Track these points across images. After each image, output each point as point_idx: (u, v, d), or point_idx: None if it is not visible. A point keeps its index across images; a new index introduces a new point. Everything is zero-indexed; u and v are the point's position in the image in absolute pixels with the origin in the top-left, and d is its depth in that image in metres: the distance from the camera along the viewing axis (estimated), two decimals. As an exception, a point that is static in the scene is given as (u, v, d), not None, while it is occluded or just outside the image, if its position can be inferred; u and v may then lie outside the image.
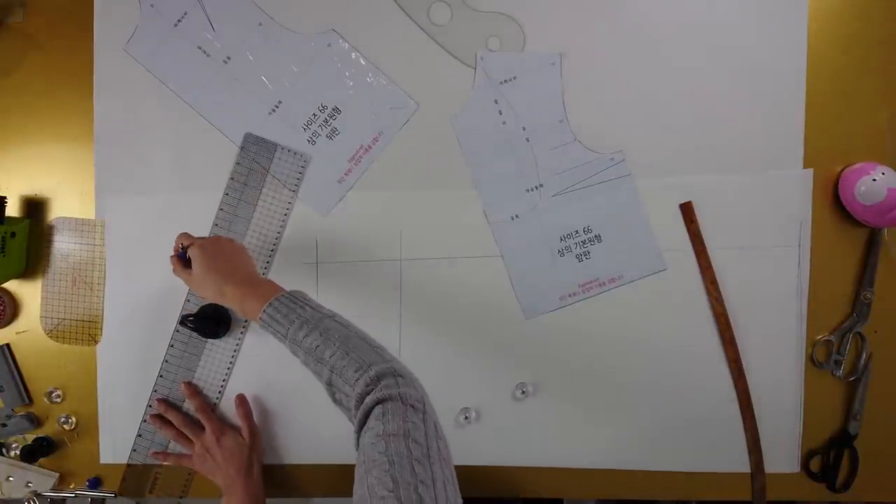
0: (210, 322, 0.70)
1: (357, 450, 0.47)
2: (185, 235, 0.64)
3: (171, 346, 0.73)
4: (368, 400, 0.48)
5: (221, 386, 0.73)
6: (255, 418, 0.73)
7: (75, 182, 0.73)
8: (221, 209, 0.72)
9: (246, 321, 0.73)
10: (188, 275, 0.62)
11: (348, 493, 0.75)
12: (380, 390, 0.48)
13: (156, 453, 0.73)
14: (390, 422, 0.46)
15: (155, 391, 0.73)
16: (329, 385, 0.52)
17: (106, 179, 0.73)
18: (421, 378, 0.71)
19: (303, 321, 0.54)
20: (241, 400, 0.73)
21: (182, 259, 0.64)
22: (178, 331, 0.72)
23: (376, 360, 0.51)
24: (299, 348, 0.53)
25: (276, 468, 0.74)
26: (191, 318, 0.69)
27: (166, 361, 0.73)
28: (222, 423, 0.72)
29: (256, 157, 0.71)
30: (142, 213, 0.73)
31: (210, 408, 0.73)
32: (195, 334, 0.72)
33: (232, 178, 0.72)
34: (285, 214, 0.72)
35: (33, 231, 0.74)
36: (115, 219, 0.73)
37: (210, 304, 0.71)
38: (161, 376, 0.73)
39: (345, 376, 0.50)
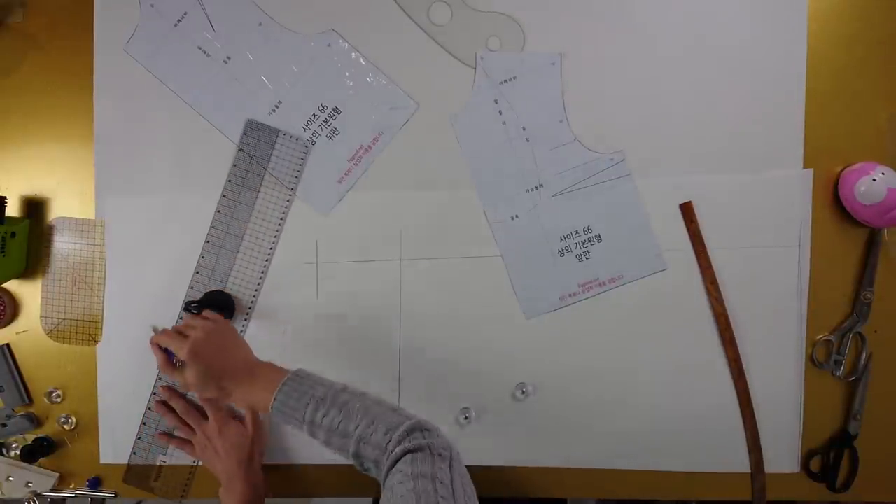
0: (214, 309, 0.70)
1: (382, 489, 0.49)
2: (166, 337, 0.62)
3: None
4: (397, 450, 0.49)
5: None
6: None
7: (75, 182, 0.74)
8: (219, 211, 0.72)
9: (250, 308, 0.72)
10: (181, 378, 0.61)
11: (348, 493, 0.76)
12: (409, 441, 0.50)
13: (161, 434, 0.73)
14: (419, 466, 0.48)
15: (159, 379, 0.73)
16: (356, 456, 0.53)
17: (106, 179, 0.73)
18: (421, 378, 0.72)
19: (318, 401, 0.55)
20: None
21: (168, 355, 0.63)
22: (181, 318, 0.72)
23: (402, 420, 0.52)
24: (319, 429, 0.54)
25: (277, 468, 0.74)
26: (195, 304, 0.70)
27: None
28: (226, 414, 0.72)
29: (259, 141, 0.71)
30: (142, 213, 0.73)
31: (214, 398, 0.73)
32: None
33: (234, 165, 0.72)
34: (288, 200, 0.72)
35: (33, 231, 0.74)
36: (115, 219, 0.73)
37: (215, 291, 0.71)
38: None
39: (374, 443, 0.52)
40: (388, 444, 0.51)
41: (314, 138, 0.72)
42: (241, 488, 0.67)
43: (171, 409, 0.72)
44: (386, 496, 0.47)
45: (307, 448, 0.74)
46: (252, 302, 0.72)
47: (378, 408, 0.54)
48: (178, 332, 0.63)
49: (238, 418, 0.72)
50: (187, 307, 0.71)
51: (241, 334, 0.73)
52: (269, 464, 0.74)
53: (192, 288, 0.73)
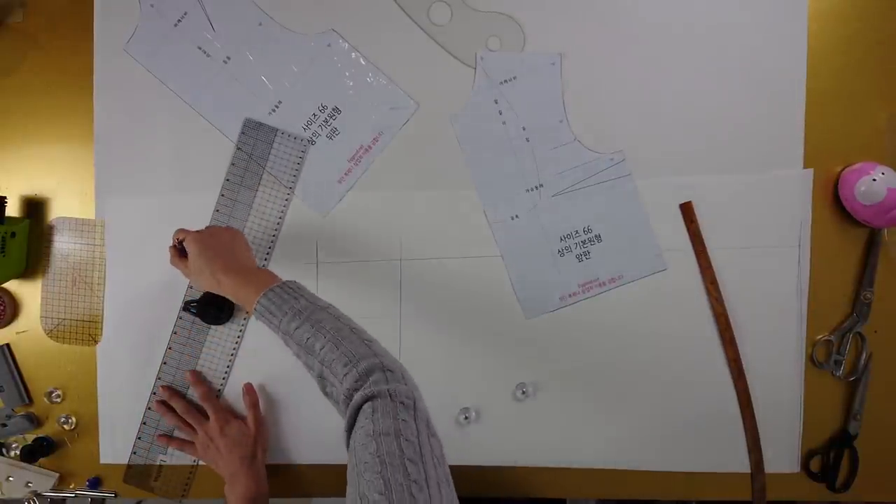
0: (213, 308, 0.70)
1: (348, 450, 0.46)
2: (183, 230, 0.64)
3: (175, 332, 0.73)
4: (357, 397, 0.47)
5: (225, 373, 0.73)
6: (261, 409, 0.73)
7: (75, 182, 0.74)
8: (217, 210, 0.72)
9: None
10: (185, 265, 0.63)
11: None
12: (368, 386, 0.47)
13: (161, 436, 0.73)
14: (380, 420, 0.45)
15: (159, 378, 0.73)
16: (320, 378, 0.51)
17: (106, 179, 0.73)
18: (421, 378, 0.71)
19: (296, 312, 0.53)
20: (249, 389, 0.73)
21: (180, 251, 0.64)
22: (181, 317, 0.73)
23: (366, 353, 0.50)
24: (291, 339, 0.53)
25: (277, 468, 0.74)
26: (194, 304, 0.70)
27: (170, 349, 0.73)
28: (227, 412, 0.72)
29: (257, 141, 0.71)
30: (142, 213, 0.73)
31: (215, 396, 0.73)
32: (198, 321, 0.72)
33: (232, 164, 0.72)
34: (286, 199, 0.72)
35: (33, 231, 0.74)
36: (115, 219, 0.73)
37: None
38: (165, 363, 0.73)
39: (334, 370, 0.50)
40: (345, 375, 0.49)
41: (314, 138, 0.72)
42: (245, 485, 0.67)
43: (171, 409, 0.72)
44: (351, 461, 0.44)
45: (307, 448, 0.74)
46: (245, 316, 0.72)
47: (350, 333, 0.52)
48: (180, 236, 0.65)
49: (240, 417, 0.72)
50: (186, 307, 0.71)
51: (244, 322, 0.73)
52: (269, 464, 0.73)
53: (191, 287, 0.73)
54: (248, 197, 0.72)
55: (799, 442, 0.72)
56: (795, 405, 0.71)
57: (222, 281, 0.59)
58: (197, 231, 0.63)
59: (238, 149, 0.71)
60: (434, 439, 0.46)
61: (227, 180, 0.72)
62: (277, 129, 0.71)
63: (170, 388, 0.73)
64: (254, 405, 0.72)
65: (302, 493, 0.74)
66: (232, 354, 0.73)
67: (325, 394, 0.52)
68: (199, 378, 0.73)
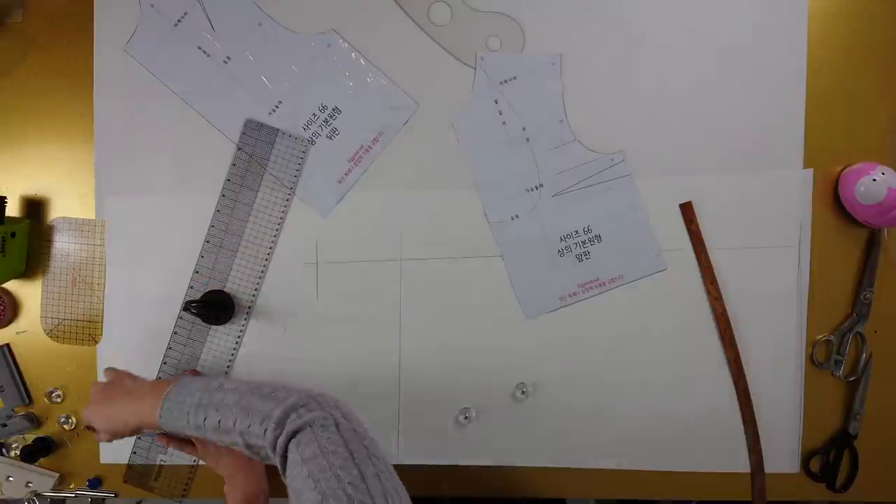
0: (213, 308, 0.70)
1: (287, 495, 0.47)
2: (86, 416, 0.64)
3: (175, 332, 0.73)
4: (280, 442, 0.48)
5: (225, 373, 0.73)
6: None
7: (75, 182, 0.73)
8: (218, 210, 0.72)
9: (249, 307, 0.72)
10: (104, 437, 0.62)
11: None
12: (288, 426, 0.49)
13: (160, 435, 0.73)
14: (305, 449, 0.46)
15: (159, 378, 0.73)
16: (248, 447, 0.52)
17: (106, 179, 0.73)
18: (421, 378, 0.72)
19: (195, 407, 0.54)
20: None
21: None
22: (181, 317, 0.72)
23: (273, 405, 0.51)
24: (207, 431, 0.54)
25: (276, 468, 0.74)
26: (194, 304, 0.70)
27: (170, 348, 0.73)
28: None
29: (258, 141, 0.71)
30: (142, 213, 0.73)
31: None
32: (199, 321, 0.72)
33: (233, 164, 0.72)
34: (287, 200, 0.72)
35: (33, 231, 0.74)
36: (115, 219, 0.73)
37: (214, 290, 0.72)
38: (165, 363, 0.73)
39: (255, 433, 0.50)
40: (265, 432, 0.49)
41: (314, 138, 0.72)
42: (244, 484, 0.67)
43: None
44: (289, 491, 0.46)
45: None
46: (252, 301, 0.72)
47: (251, 397, 0.52)
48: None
49: None
50: (187, 307, 0.71)
51: (245, 321, 0.72)
52: (269, 464, 0.73)
53: (191, 287, 0.73)
54: (248, 198, 0.72)
55: (799, 442, 0.72)
56: (795, 405, 0.71)
57: (130, 424, 0.59)
58: (84, 414, 0.63)
59: (239, 149, 0.71)
60: (366, 440, 0.47)
61: (228, 181, 0.72)
62: (279, 130, 0.71)
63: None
64: None
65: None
66: (232, 354, 0.73)
67: (260, 458, 0.53)
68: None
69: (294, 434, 0.48)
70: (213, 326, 0.73)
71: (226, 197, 0.72)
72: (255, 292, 0.72)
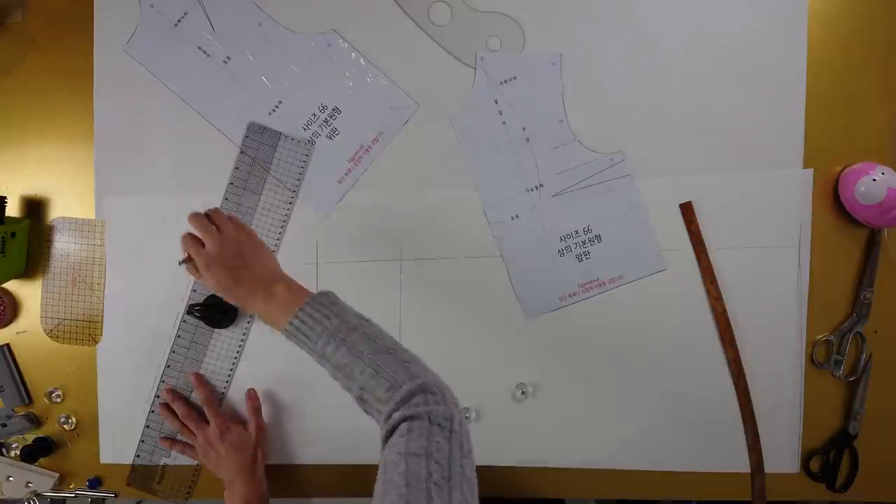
0: (216, 311, 0.70)
1: (379, 459, 0.47)
2: (190, 242, 0.60)
3: (178, 336, 0.73)
4: (395, 416, 0.47)
5: (228, 376, 0.73)
6: (262, 413, 0.73)
7: (75, 182, 0.73)
8: (231, 183, 0.72)
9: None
10: (206, 286, 0.59)
11: (348, 493, 0.76)
12: (408, 408, 0.48)
13: (163, 439, 0.73)
14: (414, 440, 0.45)
15: (162, 381, 0.73)
16: (360, 399, 0.52)
17: (106, 179, 0.73)
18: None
19: (330, 334, 0.52)
20: (251, 394, 0.73)
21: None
22: (184, 321, 0.72)
23: (405, 377, 0.50)
24: (327, 362, 0.53)
25: (277, 468, 0.74)
26: (197, 308, 0.70)
27: (173, 352, 0.73)
28: (228, 417, 0.71)
29: (261, 145, 0.71)
30: (142, 213, 0.73)
31: (217, 401, 0.73)
32: (202, 324, 0.72)
33: (236, 168, 0.71)
34: (290, 203, 0.72)
35: (33, 231, 0.74)
36: (115, 219, 0.73)
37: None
38: (168, 366, 0.73)
39: (376, 395, 0.50)
40: (388, 401, 0.49)
41: (314, 138, 0.72)
42: (243, 491, 0.67)
43: (174, 413, 0.72)
44: (379, 474, 0.45)
45: (308, 448, 0.74)
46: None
47: (386, 357, 0.51)
48: (204, 229, 0.59)
49: (241, 422, 0.72)
50: (190, 310, 0.71)
51: (248, 325, 0.72)
52: (270, 464, 0.74)
53: (194, 291, 0.73)
54: (252, 201, 0.72)
55: (799, 442, 0.72)
56: (795, 405, 0.71)
57: (246, 304, 0.57)
58: (203, 260, 0.58)
59: (242, 152, 0.71)
60: (467, 460, 0.46)
61: (231, 184, 0.72)
62: (281, 133, 0.71)
63: (172, 391, 0.73)
64: (255, 411, 0.72)
65: (302, 493, 0.74)
66: (235, 358, 0.73)
67: (366, 412, 0.52)
68: (202, 381, 0.73)
69: (410, 418, 0.47)
70: (216, 330, 0.73)
71: (228, 200, 0.72)
72: None
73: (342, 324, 0.53)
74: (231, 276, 0.57)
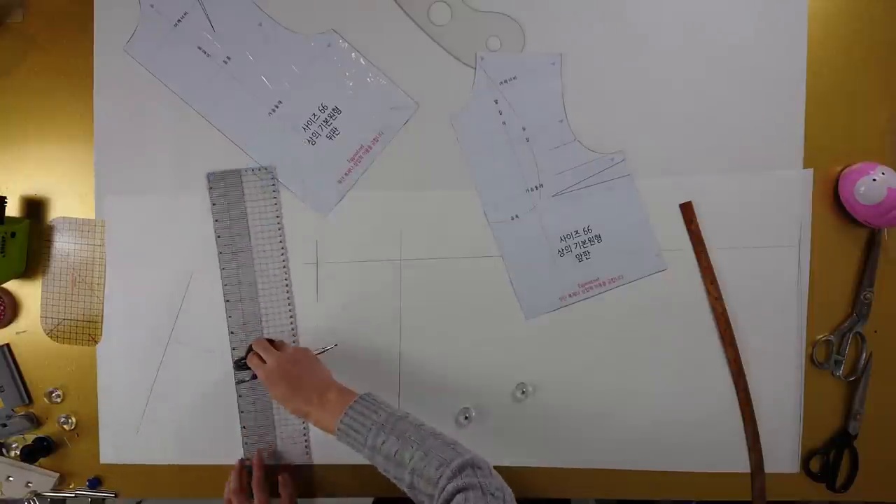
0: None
1: None
2: (255, 358, 0.67)
3: (240, 395, 0.73)
4: (450, 487, 0.49)
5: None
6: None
7: (75, 182, 0.73)
8: (223, 268, 0.72)
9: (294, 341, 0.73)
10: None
11: (348, 493, 0.76)
12: (461, 479, 0.50)
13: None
14: None
15: (246, 444, 0.74)
16: (411, 488, 0.53)
17: (106, 179, 0.73)
18: (421, 378, 0.72)
19: (379, 427, 0.56)
20: (285, 480, 0.72)
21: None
22: (241, 380, 0.73)
23: (454, 455, 0.52)
24: (378, 454, 0.55)
25: (277, 468, 0.74)
26: (243, 360, 0.70)
27: (242, 413, 0.73)
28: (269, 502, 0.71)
29: (227, 188, 0.72)
30: (142, 213, 0.73)
31: (266, 486, 0.71)
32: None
33: (216, 221, 0.72)
34: (279, 228, 0.72)
35: (33, 231, 0.74)
36: (115, 219, 0.73)
37: (256, 341, 0.71)
38: (244, 427, 0.74)
39: (426, 476, 0.52)
40: (439, 479, 0.51)
41: (314, 138, 0.72)
42: None
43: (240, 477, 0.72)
44: None
45: (309, 448, 0.74)
46: (294, 339, 0.73)
47: (434, 440, 0.54)
48: (265, 349, 0.67)
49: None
50: (237, 364, 0.71)
51: None
52: (270, 464, 0.74)
53: (234, 349, 0.73)
54: (244, 242, 0.72)
55: (799, 442, 0.72)
56: (795, 405, 0.71)
57: (303, 411, 0.61)
58: (263, 374, 0.65)
59: (213, 204, 0.72)
60: None
61: (219, 237, 0.72)
62: (240, 170, 0.71)
63: (241, 464, 0.73)
64: (290, 497, 0.71)
65: (302, 493, 0.74)
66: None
67: (413, 497, 0.54)
68: (261, 463, 0.72)
69: (464, 489, 0.49)
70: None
71: (223, 253, 0.72)
72: (292, 326, 0.73)
73: (389, 416, 0.57)
74: (289, 386, 0.62)
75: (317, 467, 0.74)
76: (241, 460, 0.73)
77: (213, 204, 0.72)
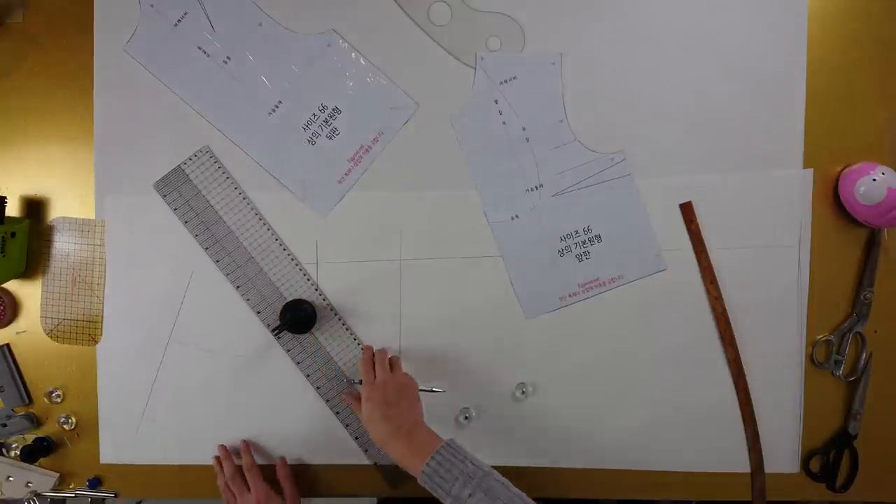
0: (298, 322, 0.70)
1: None
2: (365, 367, 0.67)
3: (299, 363, 0.73)
4: None
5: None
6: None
7: (75, 182, 0.73)
8: (217, 261, 0.72)
9: (330, 309, 0.72)
10: (359, 411, 0.66)
11: (348, 493, 0.76)
12: None
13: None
14: None
15: (318, 388, 0.73)
16: None
17: (106, 179, 0.73)
18: (421, 378, 0.72)
19: (466, 478, 0.55)
20: (283, 463, 0.73)
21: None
22: (284, 346, 0.73)
23: None
24: None
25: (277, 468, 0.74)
26: (278, 328, 0.70)
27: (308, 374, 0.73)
28: (267, 488, 0.70)
29: (179, 188, 0.72)
30: (142, 213, 0.73)
31: (259, 470, 0.71)
32: (299, 336, 0.72)
33: (185, 223, 0.72)
34: (243, 198, 0.72)
35: (33, 231, 0.74)
36: (115, 219, 0.73)
37: (284, 308, 0.71)
38: (318, 388, 0.73)
39: None
40: None
41: (314, 138, 0.72)
42: None
43: (220, 470, 0.72)
44: None
45: (308, 448, 0.74)
46: (323, 300, 0.72)
47: (520, 502, 0.54)
48: (381, 364, 0.67)
49: (278, 492, 0.71)
50: (277, 332, 0.71)
51: (345, 326, 0.72)
52: (270, 463, 0.74)
53: (269, 325, 0.73)
54: (222, 229, 0.72)
55: (799, 442, 0.72)
56: (795, 405, 0.71)
57: (387, 442, 0.61)
58: (367, 390, 0.64)
59: (175, 209, 0.72)
60: None
61: (197, 236, 0.72)
62: (178, 165, 0.71)
63: (224, 449, 0.73)
64: (288, 478, 0.72)
65: (302, 493, 0.74)
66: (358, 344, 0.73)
67: None
68: (248, 448, 0.73)
69: None
70: (312, 332, 0.72)
71: (210, 248, 0.72)
72: (309, 280, 0.72)
73: (477, 469, 0.56)
74: (384, 411, 0.62)
75: (313, 467, 0.74)
76: (223, 447, 0.73)
77: (175, 209, 0.72)
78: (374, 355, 0.69)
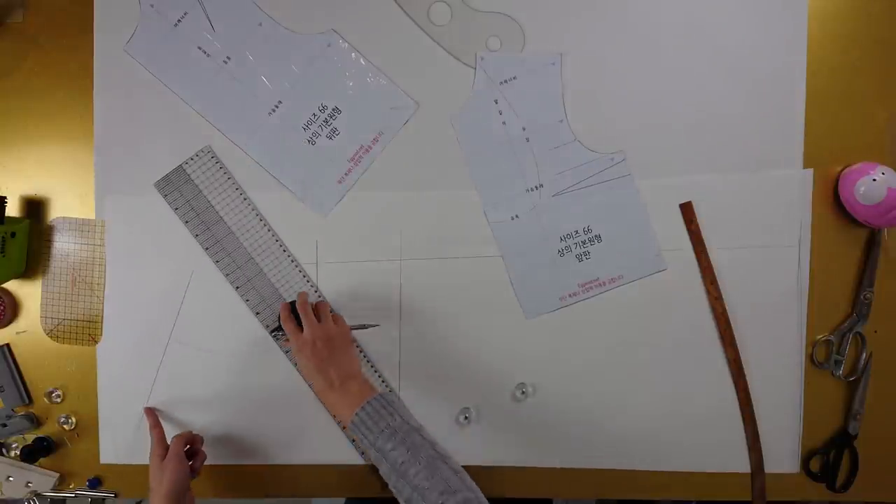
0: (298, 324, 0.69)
1: None
2: (289, 323, 0.66)
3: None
4: None
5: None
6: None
7: (75, 182, 0.73)
8: (217, 261, 0.72)
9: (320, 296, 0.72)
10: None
11: (348, 493, 0.76)
12: None
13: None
14: None
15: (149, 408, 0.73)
16: (407, 502, 0.53)
17: (106, 179, 0.73)
18: (421, 378, 0.72)
19: (392, 431, 0.55)
20: (148, 410, 0.72)
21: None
22: (284, 350, 0.73)
23: (460, 486, 0.51)
24: (384, 460, 0.55)
25: (277, 468, 0.74)
26: (279, 327, 0.70)
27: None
28: (164, 444, 0.68)
29: (180, 188, 0.72)
30: (142, 213, 0.73)
31: (160, 427, 0.70)
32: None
33: (186, 223, 0.72)
34: (244, 199, 0.72)
35: (33, 231, 0.74)
36: (115, 219, 0.73)
37: (283, 307, 0.70)
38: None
39: (427, 497, 0.51)
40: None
41: (314, 138, 0.72)
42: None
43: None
44: None
45: (307, 448, 0.74)
46: (319, 293, 0.72)
47: (442, 463, 0.53)
48: (306, 316, 0.65)
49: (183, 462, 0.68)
50: (274, 333, 0.72)
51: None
52: (270, 463, 0.74)
53: (267, 326, 0.72)
54: (223, 229, 0.72)
55: (799, 442, 0.72)
56: (795, 405, 0.71)
57: (322, 394, 0.63)
58: (294, 344, 0.64)
59: (176, 209, 0.72)
60: None
61: (197, 235, 0.72)
62: (180, 165, 0.71)
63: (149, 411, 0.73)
64: (188, 442, 0.69)
65: (302, 494, 0.74)
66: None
67: None
68: (151, 412, 0.72)
69: None
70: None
71: (210, 248, 0.72)
72: (307, 281, 0.72)
73: (404, 423, 0.56)
74: (316, 363, 0.63)
75: (313, 467, 0.74)
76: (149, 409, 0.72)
77: (176, 209, 0.72)
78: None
